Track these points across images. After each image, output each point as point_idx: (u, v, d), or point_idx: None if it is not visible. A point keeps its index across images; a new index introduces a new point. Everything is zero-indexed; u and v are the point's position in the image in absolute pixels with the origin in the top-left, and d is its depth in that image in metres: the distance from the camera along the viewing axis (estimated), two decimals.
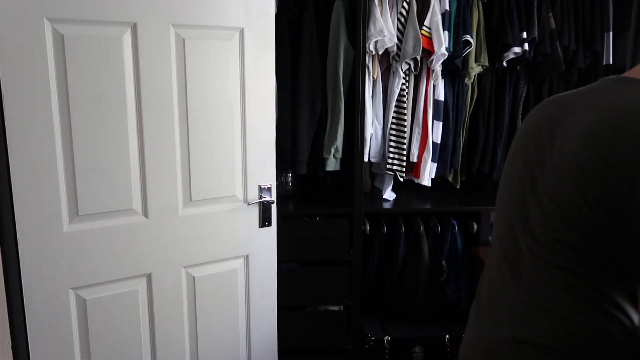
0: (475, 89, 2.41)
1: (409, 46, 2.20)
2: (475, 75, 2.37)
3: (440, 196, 2.51)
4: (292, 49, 2.25)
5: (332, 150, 2.30)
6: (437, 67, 2.26)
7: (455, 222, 2.42)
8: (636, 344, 0.72)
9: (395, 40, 2.22)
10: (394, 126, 2.33)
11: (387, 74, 2.33)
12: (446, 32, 2.22)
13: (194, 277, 1.88)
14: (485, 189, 2.59)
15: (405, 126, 2.32)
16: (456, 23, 2.26)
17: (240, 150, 1.89)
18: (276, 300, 2.09)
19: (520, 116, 2.44)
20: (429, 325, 2.46)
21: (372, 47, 2.19)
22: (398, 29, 2.25)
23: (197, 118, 1.77)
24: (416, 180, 2.41)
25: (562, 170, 0.72)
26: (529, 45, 2.26)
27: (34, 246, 1.56)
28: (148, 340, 1.83)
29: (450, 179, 2.52)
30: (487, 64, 2.32)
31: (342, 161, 2.36)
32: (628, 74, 0.82)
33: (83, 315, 1.69)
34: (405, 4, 2.23)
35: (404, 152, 2.34)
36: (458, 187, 2.54)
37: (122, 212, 1.70)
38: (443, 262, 2.40)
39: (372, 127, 2.34)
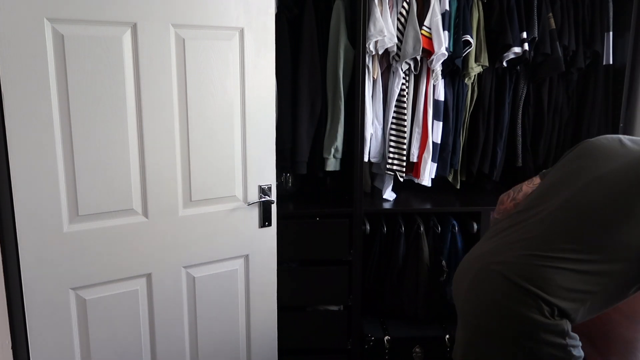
0: (475, 89, 2.41)
1: (409, 46, 2.20)
2: (475, 75, 2.37)
3: (440, 196, 2.52)
4: (292, 49, 2.25)
5: (332, 150, 2.30)
6: (437, 67, 2.26)
7: (455, 222, 2.42)
8: None
9: (395, 40, 2.22)
10: (394, 126, 2.33)
11: (387, 74, 2.33)
12: (446, 32, 2.22)
13: (194, 277, 1.88)
14: (486, 189, 2.59)
15: (405, 126, 2.32)
16: (456, 23, 2.26)
17: (240, 150, 1.89)
18: (276, 300, 2.09)
19: (520, 116, 2.43)
20: (429, 325, 2.46)
21: (372, 47, 2.19)
22: (398, 29, 2.25)
23: (197, 118, 1.77)
24: (416, 180, 2.41)
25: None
26: (529, 45, 2.26)
27: (34, 246, 1.56)
28: (148, 340, 1.83)
29: (450, 179, 2.52)
30: (487, 64, 2.32)
31: (342, 161, 2.36)
32: None
33: (83, 315, 1.69)
34: (405, 4, 2.23)
35: (404, 152, 2.34)
36: (458, 187, 2.54)
37: (122, 212, 1.70)
38: (443, 262, 2.40)
39: (372, 127, 2.34)
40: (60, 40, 1.51)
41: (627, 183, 1.25)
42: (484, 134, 2.42)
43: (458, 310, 1.40)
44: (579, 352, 1.24)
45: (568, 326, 1.22)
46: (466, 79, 2.35)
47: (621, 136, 1.42)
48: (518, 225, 1.34)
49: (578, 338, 1.25)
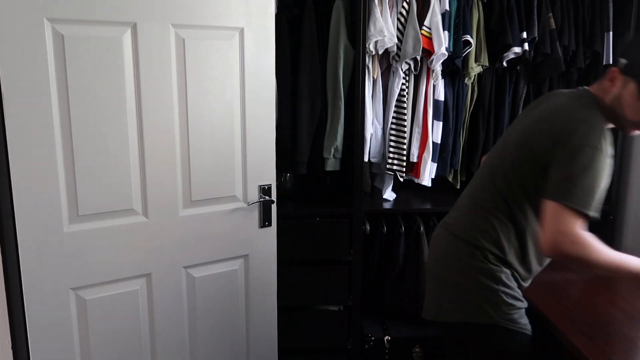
0: (475, 89, 2.41)
1: (409, 46, 2.20)
2: (475, 75, 2.37)
3: (440, 196, 2.51)
4: (292, 49, 2.25)
5: (332, 150, 2.30)
6: (437, 67, 2.26)
7: None
8: None
9: (395, 40, 2.22)
10: (393, 126, 2.33)
11: (387, 74, 2.33)
12: (446, 32, 2.22)
13: (194, 277, 1.88)
14: None
15: (405, 126, 2.32)
16: (456, 23, 2.26)
17: (240, 150, 1.89)
18: (276, 300, 2.09)
19: None
20: (429, 325, 2.45)
21: (372, 47, 2.19)
22: (398, 29, 2.25)
23: (197, 118, 1.77)
24: (416, 180, 2.41)
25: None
26: (529, 45, 2.26)
27: (34, 246, 1.56)
28: (148, 340, 1.83)
29: (450, 179, 2.52)
30: (487, 64, 2.32)
31: (342, 161, 2.36)
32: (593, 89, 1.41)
33: (83, 315, 1.69)
34: (405, 4, 2.23)
35: (404, 152, 2.34)
36: (458, 187, 2.54)
37: (122, 212, 1.70)
38: None
39: (372, 127, 2.34)
40: (60, 40, 1.51)
41: (529, 133, 1.38)
42: (484, 134, 2.42)
43: (429, 272, 1.59)
44: (513, 301, 1.39)
45: (506, 274, 1.39)
46: (466, 79, 2.35)
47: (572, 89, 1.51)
48: (467, 189, 1.57)
49: (519, 292, 1.42)
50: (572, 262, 1.25)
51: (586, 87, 1.44)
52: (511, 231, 1.39)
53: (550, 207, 1.24)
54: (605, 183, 1.25)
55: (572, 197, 1.21)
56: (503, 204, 1.39)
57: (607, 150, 1.24)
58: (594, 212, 1.23)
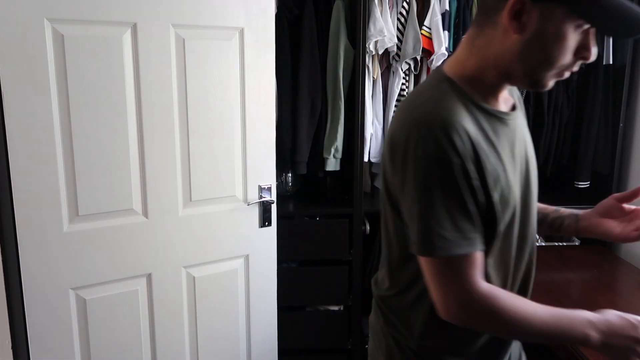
0: None
1: (409, 46, 2.20)
2: None
3: None
4: (292, 49, 2.24)
5: (332, 150, 2.30)
6: None
7: None
8: None
9: (395, 40, 2.22)
10: None
11: (387, 74, 2.33)
12: (446, 32, 2.22)
13: (194, 277, 1.88)
14: None
15: None
16: (456, 23, 2.26)
17: (240, 150, 1.89)
18: (276, 300, 2.09)
19: None
20: None
21: (372, 47, 2.19)
22: (398, 29, 2.25)
23: (197, 118, 1.77)
24: None
25: None
26: None
27: (34, 246, 1.56)
28: (148, 340, 1.83)
29: None
30: None
31: (342, 161, 2.36)
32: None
33: (83, 315, 1.69)
34: (405, 4, 2.23)
35: None
36: None
37: (122, 212, 1.70)
38: None
39: (372, 127, 2.34)
40: (60, 40, 1.51)
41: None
42: None
43: None
44: None
45: None
46: None
47: None
48: None
49: None
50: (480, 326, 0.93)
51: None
52: None
53: (424, 264, 0.90)
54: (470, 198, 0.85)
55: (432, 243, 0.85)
56: None
57: (455, 150, 0.84)
58: (467, 247, 0.85)
